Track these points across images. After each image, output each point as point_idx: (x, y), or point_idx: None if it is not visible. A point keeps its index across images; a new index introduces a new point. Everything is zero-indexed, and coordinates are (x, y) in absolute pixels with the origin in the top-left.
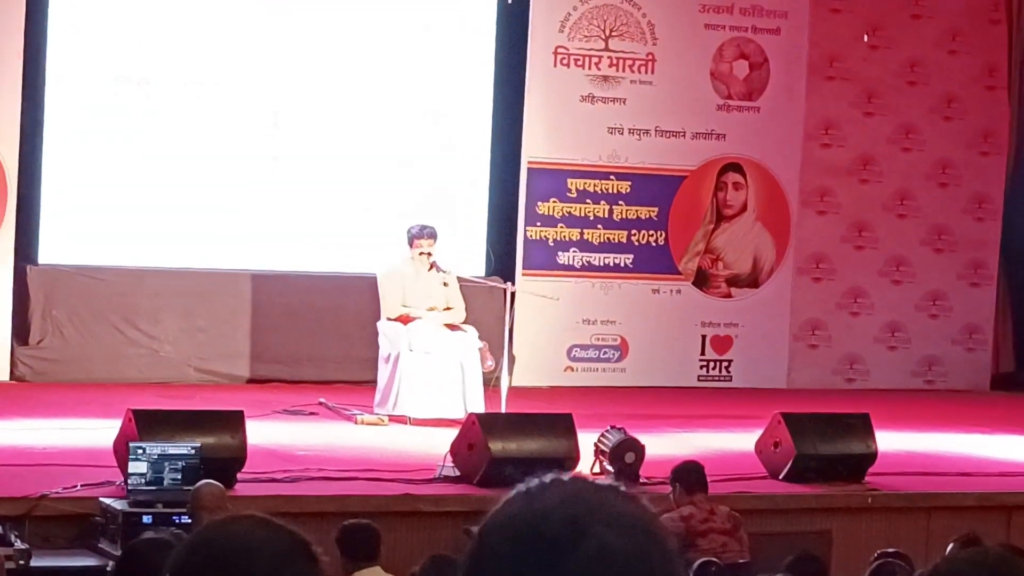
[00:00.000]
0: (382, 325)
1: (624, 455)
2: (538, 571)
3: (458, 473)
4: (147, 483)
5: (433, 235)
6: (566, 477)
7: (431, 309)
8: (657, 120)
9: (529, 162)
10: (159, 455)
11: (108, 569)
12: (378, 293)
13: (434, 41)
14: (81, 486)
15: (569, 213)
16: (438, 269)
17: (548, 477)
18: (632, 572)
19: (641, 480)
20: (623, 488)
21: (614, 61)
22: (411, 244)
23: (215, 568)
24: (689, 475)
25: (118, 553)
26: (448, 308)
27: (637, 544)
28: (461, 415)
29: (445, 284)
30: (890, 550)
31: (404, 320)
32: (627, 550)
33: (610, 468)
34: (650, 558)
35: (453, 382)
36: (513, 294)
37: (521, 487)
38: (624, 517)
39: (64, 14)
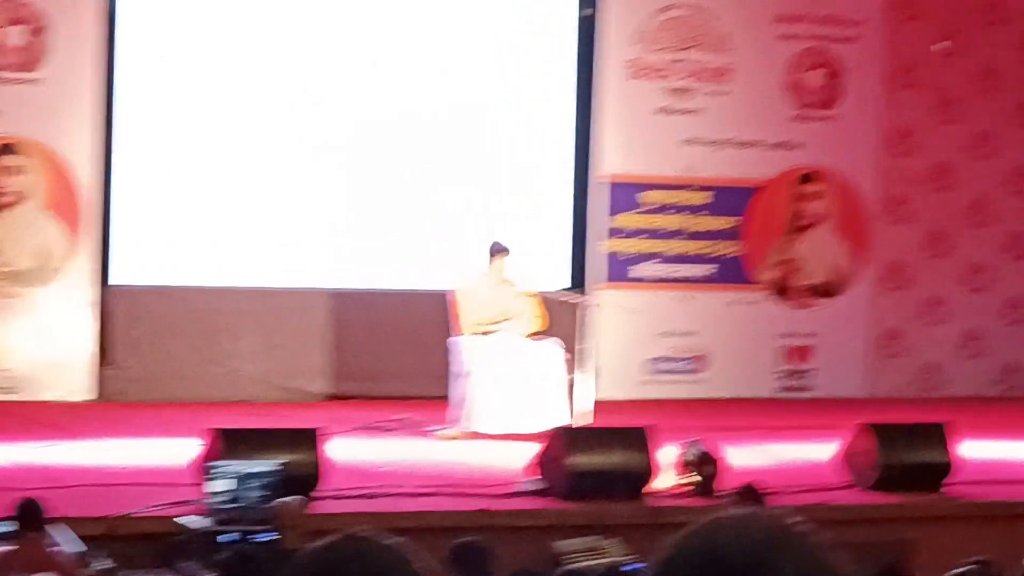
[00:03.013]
0: (458, 340)
1: (704, 467)
2: None
3: (538, 487)
4: (229, 501)
5: (509, 251)
6: (763, 511)
7: (505, 320)
8: (733, 131)
9: (606, 175)
10: (240, 473)
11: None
12: (454, 309)
13: (510, 55)
14: (163, 505)
15: (647, 226)
16: (513, 283)
17: (746, 509)
18: None
19: (720, 492)
20: (808, 528)
21: (689, 72)
22: (491, 258)
23: None
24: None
25: (200, 572)
26: (523, 319)
27: None
28: (539, 429)
29: (517, 296)
30: (979, 558)
31: (483, 334)
32: None
33: (690, 480)
34: None
35: (532, 396)
36: (592, 307)
37: (716, 515)
38: (805, 560)
39: (137, 36)
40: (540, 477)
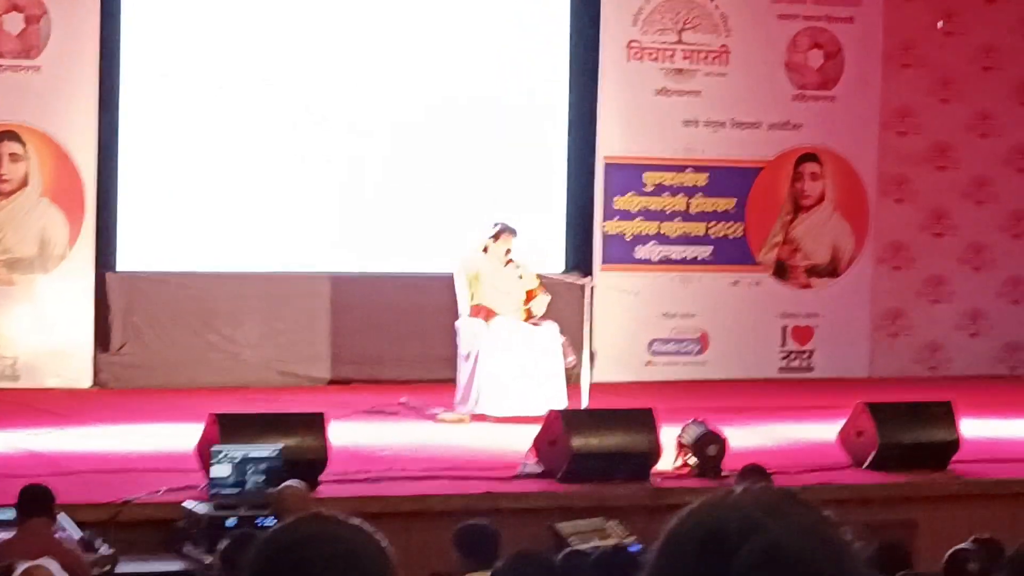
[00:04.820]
0: (461, 323)
1: (707, 448)
2: (710, 567)
3: (540, 470)
4: (230, 486)
5: (515, 232)
6: (761, 487)
7: (509, 301)
8: (732, 112)
9: (605, 157)
10: (242, 458)
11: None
12: (457, 291)
13: (508, 38)
14: (165, 491)
15: (646, 207)
16: (516, 265)
17: (750, 485)
18: (798, 572)
19: (723, 473)
20: (819, 508)
21: (688, 54)
22: (496, 238)
23: (293, 568)
24: (746, 477)
25: (203, 557)
26: (527, 300)
27: (809, 546)
28: (542, 412)
29: (520, 278)
30: (982, 536)
31: (485, 316)
32: (796, 550)
33: (692, 462)
34: (820, 561)
35: (534, 379)
36: (592, 289)
37: (718, 492)
38: (804, 522)
39: (137, 20)
40: (543, 460)
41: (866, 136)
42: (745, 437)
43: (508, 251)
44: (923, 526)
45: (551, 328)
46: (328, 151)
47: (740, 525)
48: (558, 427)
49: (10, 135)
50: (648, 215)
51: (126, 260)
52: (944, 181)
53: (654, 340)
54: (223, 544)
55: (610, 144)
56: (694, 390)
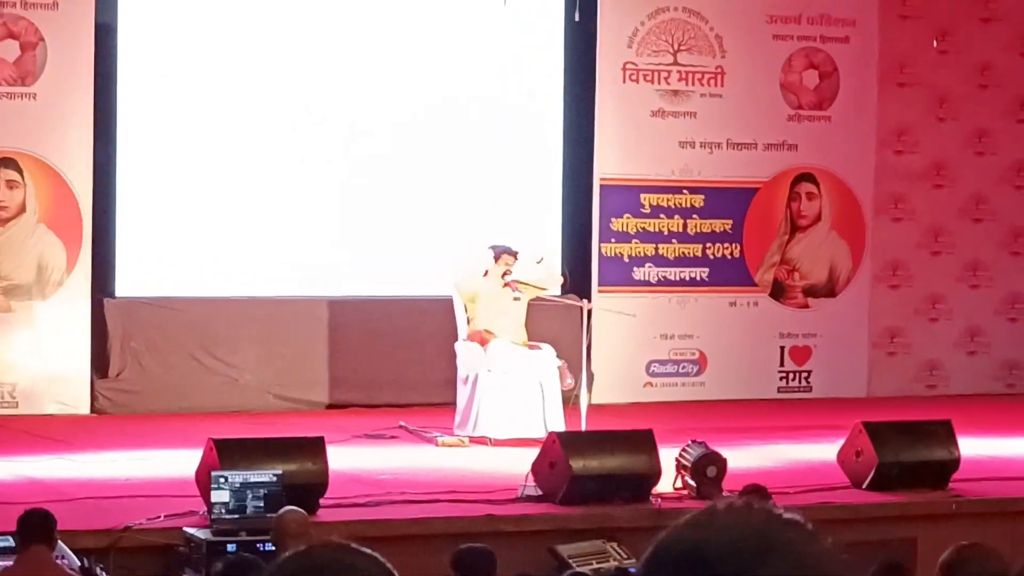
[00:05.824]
0: (460, 346)
1: (706, 469)
2: None
3: (540, 492)
4: (230, 512)
5: (516, 255)
6: (744, 504)
7: (509, 323)
8: (728, 133)
9: (602, 179)
10: (241, 483)
11: None
12: (456, 314)
13: (504, 61)
14: (164, 517)
15: (643, 229)
16: (514, 287)
17: (725, 503)
18: None
19: (724, 494)
20: (803, 522)
21: (683, 75)
22: (495, 260)
23: None
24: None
25: None
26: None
27: None
28: (541, 434)
29: (516, 299)
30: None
31: (481, 339)
32: None
33: (692, 483)
34: None
35: (533, 401)
36: (590, 311)
37: (698, 511)
38: (796, 559)
39: (133, 46)
40: (543, 482)
41: (862, 155)
42: (744, 458)
43: (507, 273)
44: (923, 545)
45: (549, 351)
46: (325, 176)
47: (730, 563)
48: (557, 449)
49: (7, 162)
50: (645, 237)
51: (123, 286)
52: (941, 199)
53: (652, 361)
54: (216, 567)
55: (606, 166)
56: (693, 411)
